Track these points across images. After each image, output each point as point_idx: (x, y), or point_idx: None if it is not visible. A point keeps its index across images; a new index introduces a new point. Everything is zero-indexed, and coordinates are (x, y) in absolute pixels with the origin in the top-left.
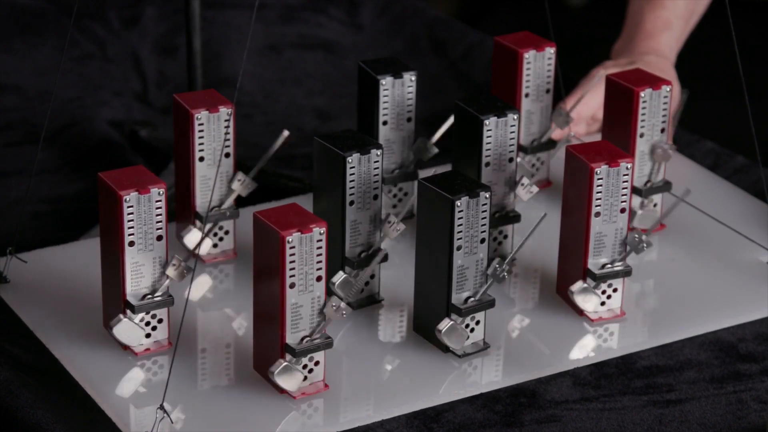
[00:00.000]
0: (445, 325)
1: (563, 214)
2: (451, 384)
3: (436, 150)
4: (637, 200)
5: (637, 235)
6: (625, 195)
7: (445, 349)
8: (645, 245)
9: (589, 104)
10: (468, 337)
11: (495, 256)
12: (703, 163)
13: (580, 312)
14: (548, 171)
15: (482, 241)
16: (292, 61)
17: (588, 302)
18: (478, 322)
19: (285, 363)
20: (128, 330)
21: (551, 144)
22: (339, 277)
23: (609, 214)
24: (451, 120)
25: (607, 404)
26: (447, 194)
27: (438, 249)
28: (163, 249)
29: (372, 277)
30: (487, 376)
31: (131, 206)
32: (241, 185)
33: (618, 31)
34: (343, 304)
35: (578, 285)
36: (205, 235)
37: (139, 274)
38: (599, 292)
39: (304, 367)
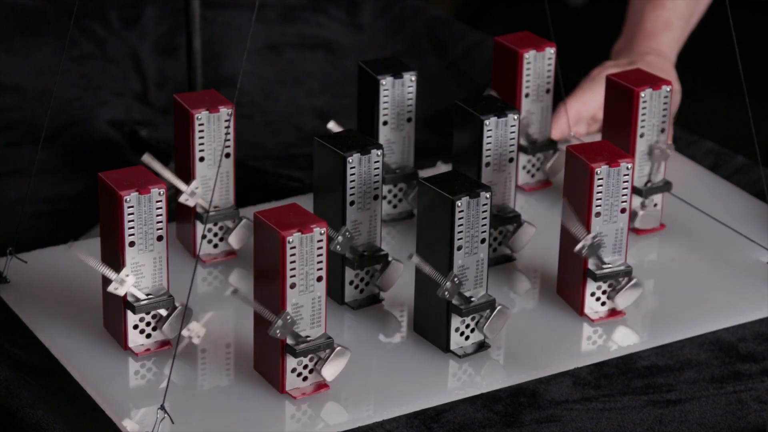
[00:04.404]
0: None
1: (563, 214)
2: (451, 384)
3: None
4: (637, 201)
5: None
6: (626, 195)
7: (446, 349)
8: (598, 242)
9: (589, 104)
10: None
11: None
12: (703, 163)
13: (580, 312)
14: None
15: (482, 241)
16: (292, 61)
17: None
18: (478, 322)
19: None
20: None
21: (551, 144)
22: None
23: (609, 214)
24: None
25: (607, 404)
26: (447, 194)
27: (438, 249)
28: (164, 249)
29: (372, 277)
30: (487, 376)
31: (131, 206)
32: (193, 198)
33: (618, 31)
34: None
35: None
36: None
37: (139, 274)
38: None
39: (305, 367)
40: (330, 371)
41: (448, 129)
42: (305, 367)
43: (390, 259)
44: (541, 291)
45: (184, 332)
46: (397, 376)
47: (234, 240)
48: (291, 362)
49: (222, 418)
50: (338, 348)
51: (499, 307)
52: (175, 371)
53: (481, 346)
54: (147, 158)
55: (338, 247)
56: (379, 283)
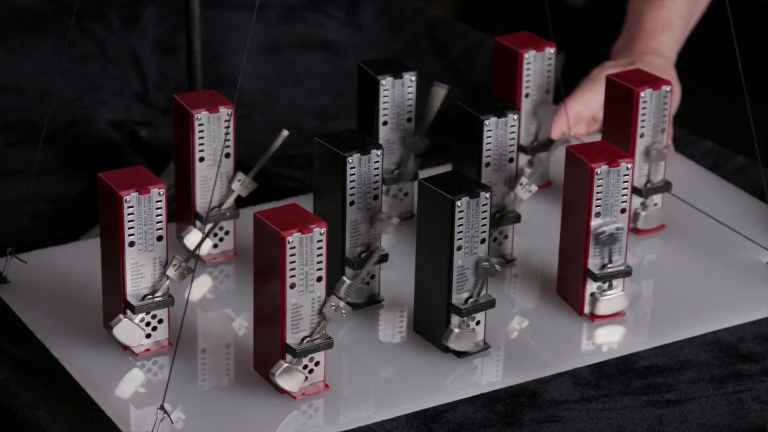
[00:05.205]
0: (449, 333)
1: (563, 214)
2: (451, 384)
3: (428, 141)
4: (637, 201)
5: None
6: (626, 195)
7: (446, 349)
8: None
9: (589, 104)
10: (475, 335)
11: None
12: (703, 163)
13: (580, 312)
14: (548, 171)
15: (482, 241)
16: (292, 61)
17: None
18: (478, 322)
19: (286, 364)
20: (128, 330)
21: (551, 144)
22: (342, 283)
23: (609, 214)
24: (438, 97)
25: (607, 404)
26: (447, 194)
27: (438, 249)
28: (164, 249)
29: (372, 277)
30: (487, 376)
31: (131, 206)
32: (241, 185)
33: (618, 31)
34: (342, 303)
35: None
36: (206, 236)
37: (139, 274)
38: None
39: (305, 367)
40: (285, 381)
41: (448, 129)
42: (305, 367)
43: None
44: (541, 291)
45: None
46: (397, 376)
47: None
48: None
49: (222, 418)
50: (285, 365)
51: (456, 332)
52: (175, 371)
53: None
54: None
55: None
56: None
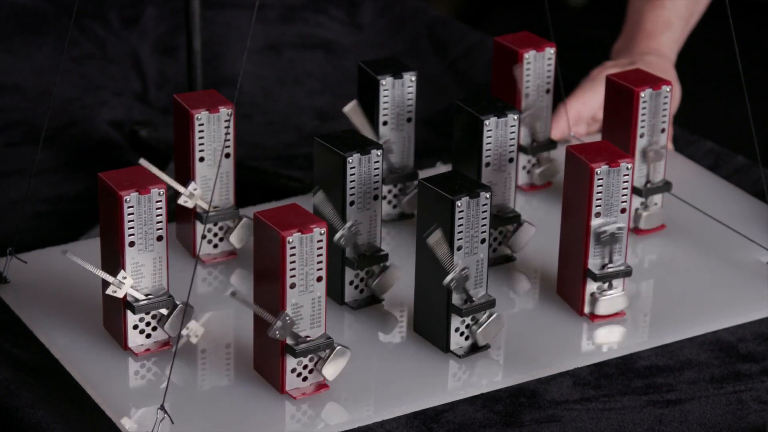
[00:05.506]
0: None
1: (563, 214)
2: (451, 384)
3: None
4: (637, 201)
5: (609, 230)
6: (626, 195)
7: (446, 349)
8: (620, 234)
9: (589, 104)
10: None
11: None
12: (703, 163)
13: (580, 312)
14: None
15: (482, 241)
16: (292, 61)
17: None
18: (470, 327)
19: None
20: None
21: (551, 144)
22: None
23: (609, 214)
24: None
25: (607, 404)
26: (447, 194)
27: None
28: (164, 249)
29: (372, 277)
30: (487, 376)
31: (131, 206)
32: (192, 199)
33: (618, 31)
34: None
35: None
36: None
37: (139, 274)
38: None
39: (305, 367)
40: (330, 371)
41: (448, 129)
42: (305, 367)
43: (388, 263)
44: (541, 291)
45: (183, 331)
46: (397, 376)
47: (235, 239)
48: (291, 362)
49: (222, 418)
50: (338, 347)
51: (495, 314)
52: (175, 371)
53: (480, 347)
54: (144, 163)
55: (342, 240)
56: (374, 287)
